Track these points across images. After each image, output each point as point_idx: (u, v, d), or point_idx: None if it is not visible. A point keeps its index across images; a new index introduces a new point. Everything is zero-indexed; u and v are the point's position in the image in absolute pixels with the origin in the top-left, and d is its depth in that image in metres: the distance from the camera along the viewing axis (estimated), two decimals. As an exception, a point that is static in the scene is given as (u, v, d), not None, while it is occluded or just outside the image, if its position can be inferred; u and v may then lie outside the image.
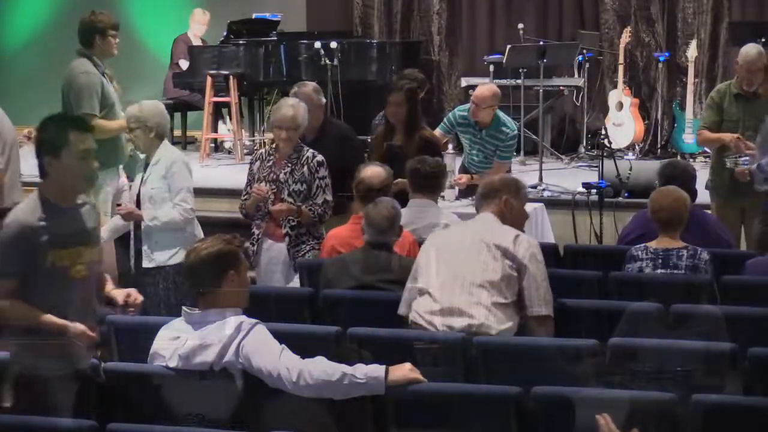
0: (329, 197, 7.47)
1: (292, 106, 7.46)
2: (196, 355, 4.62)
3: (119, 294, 5.23)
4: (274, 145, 7.62)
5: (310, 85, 8.27)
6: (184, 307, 4.80)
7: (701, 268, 6.39)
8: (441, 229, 6.54)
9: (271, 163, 7.51)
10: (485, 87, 9.12)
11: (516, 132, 9.22)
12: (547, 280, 5.50)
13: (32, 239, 4.78)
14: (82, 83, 8.13)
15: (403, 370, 4.53)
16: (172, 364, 4.66)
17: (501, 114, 9.08)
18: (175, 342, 4.68)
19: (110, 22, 8.34)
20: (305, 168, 7.42)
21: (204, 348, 4.61)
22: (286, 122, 7.39)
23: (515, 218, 5.73)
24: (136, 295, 5.24)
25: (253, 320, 4.66)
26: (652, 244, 6.51)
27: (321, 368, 4.52)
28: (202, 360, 4.61)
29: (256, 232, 7.54)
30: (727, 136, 8.30)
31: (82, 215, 4.97)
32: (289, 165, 7.45)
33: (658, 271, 6.41)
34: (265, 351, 4.57)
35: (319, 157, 7.45)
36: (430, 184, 7.18)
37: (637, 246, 6.55)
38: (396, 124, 8.36)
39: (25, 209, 4.87)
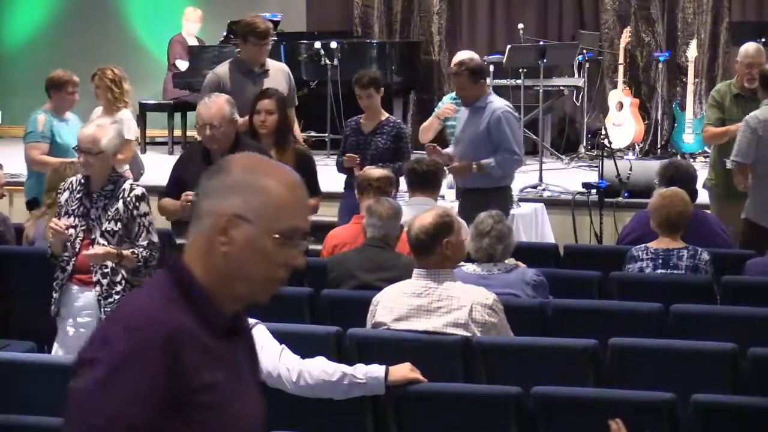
0: (155, 237, 6.07)
1: (98, 126, 6.09)
2: None
3: None
4: (82, 174, 6.16)
5: (222, 97, 6.85)
6: None
7: (701, 269, 6.39)
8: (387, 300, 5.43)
9: (80, 194, 6.06)
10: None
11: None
12: (508, 326, 5.36)
13: None
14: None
15: (404, 370, 4.53)
16: None
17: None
18: None
19: (254, 29, 8.15)
20: (120, 203, 6.00)
21: None
22: (85, 144, 5.99)
23: (457, 254, 5.38)
24: None
25: (253, 320, 4.66)
26: (653, 245, 6.51)
27: (321, 368, 4.52)
28: None
29: (61, 276, 6.06)
30: (733, 127, 8.29)
31: None
32: (103, 198, 6.02)
33: (659, 271, 6.41)
34: (265, 351, 4.56)
35: (138, 191, 6.05)
36: (428, 182, 7.23)
37: (638, 246, 6.55)
38: (264, 134, 7.45)
39: None
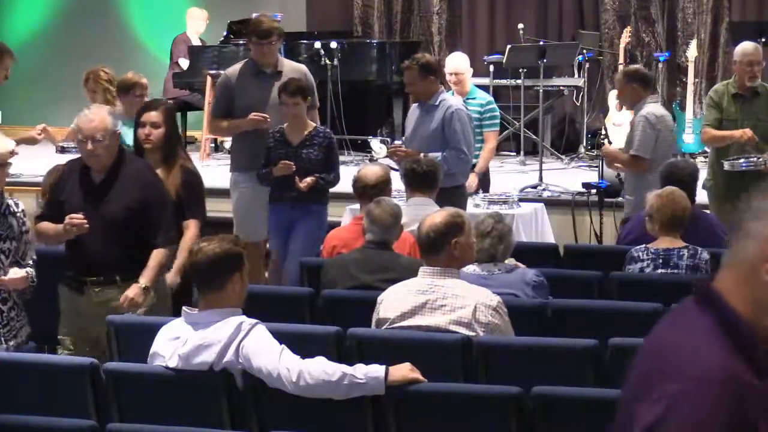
0: (34, 254, 5.82)
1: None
2: (196, 355, 4.62)
3: None
4: None
5: (104, 108, 6.28)
6: (184, 307, 4.79)
7: (701, 268, 6.40)
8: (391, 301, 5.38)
9: None
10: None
11: (487, 99, 9.33)
12: (512, 330, 5.36)
13: None
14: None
15: (403, 371, 4.53)
16: (172, 364, 4.66)
17: (473, 87, 9.40)
18: (175, 342, 4.68)
19: (255, 28, 8.13)
20: (13, 220, 5.64)
21: (204, 348, 4.61)
22: (6, 158, 5.66)
23: (465, 255, 5.35)
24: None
25: (253, 320, 4.65)
26: (653, 245, 6.51)
27: (321, 368, 4.52)
28: (202, 360, 4.61)
29: None
30: (737, 133, 8.32)
31: None
32: None
33: (659, 271, 6.41)
34: (265, 351, 4.57)
35: (22, 205, 5.76)
36: (427, 182, 7.21)
37: (637, 247, 6.55)
38: (149, 150, 6.74)
39: None
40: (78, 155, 6.11)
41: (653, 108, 8.26)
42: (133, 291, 5.77)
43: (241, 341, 4.59)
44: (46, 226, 5.95)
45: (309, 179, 7.73)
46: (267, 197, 8.02)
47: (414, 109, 8.34)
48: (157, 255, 5.87)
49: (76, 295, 5.92)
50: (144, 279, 5.81)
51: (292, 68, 8.29)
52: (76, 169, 6.00)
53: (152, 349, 4.77)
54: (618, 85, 8.60)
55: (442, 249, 5.21)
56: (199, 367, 4.61)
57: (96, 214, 5.77)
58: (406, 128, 8.48)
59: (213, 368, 4.61)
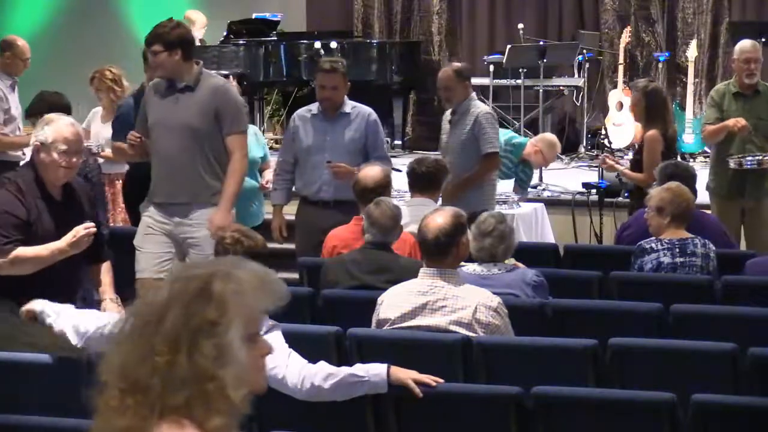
0: None
1: None
2: None
3: None
4: None
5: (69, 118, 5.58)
6: None
7: (711, 258, 6.52)
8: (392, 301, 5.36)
9: None
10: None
11: (505, 137, 9.47)
12: (512, 331, 5.36)
13: None
14: None
15: (407, 372, 4.51)
16: None
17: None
18: None
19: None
20: None
21: None
22: None
23: (464, 253, 5.40)
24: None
25: (277, 323, 4.61)
26: (665, 236, 6.54)
27: (326, 371, 4.50)
28: None
29: None
30: (730, 122, 8.31)
31: None
32: None
33: (677, 259, 6.44)
34: (274, 354, 4.51)
35: None
36: (428, 183, 7.20)
37: (647, 240, 6.58)
38: None
39: None
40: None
41: (483, 104, 8.40)
42: (114, 308, 5.45)
43: None
44: (33, 250, 5.36)
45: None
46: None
47: (312, 119, 7.73)
48: (108, 268, 5.62)
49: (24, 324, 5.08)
50: (111, 292, 5.56)
51: (209, 85, 6.97)
52: (31, 185, 5.44)
53: None
54: (450, 83, 8.34)
55: (450, 251, 5.22)
56: None
57: (65, 233, 5.35)
58: (300, 140, 7.70)
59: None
